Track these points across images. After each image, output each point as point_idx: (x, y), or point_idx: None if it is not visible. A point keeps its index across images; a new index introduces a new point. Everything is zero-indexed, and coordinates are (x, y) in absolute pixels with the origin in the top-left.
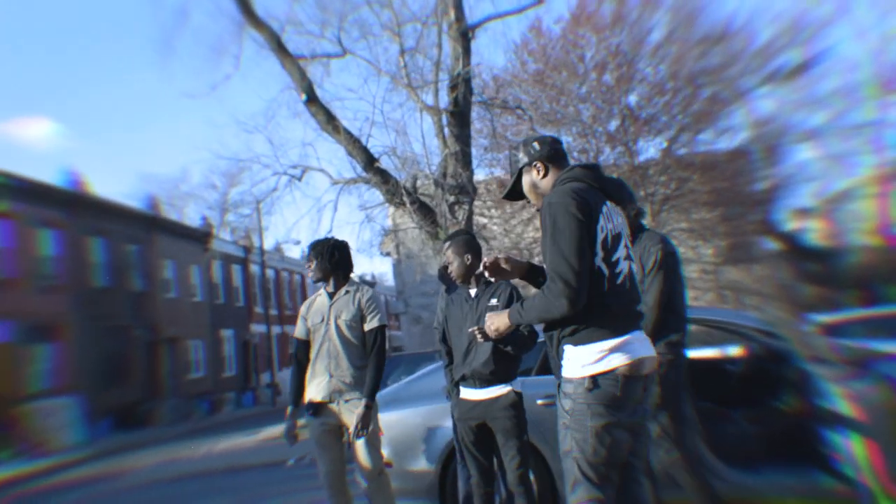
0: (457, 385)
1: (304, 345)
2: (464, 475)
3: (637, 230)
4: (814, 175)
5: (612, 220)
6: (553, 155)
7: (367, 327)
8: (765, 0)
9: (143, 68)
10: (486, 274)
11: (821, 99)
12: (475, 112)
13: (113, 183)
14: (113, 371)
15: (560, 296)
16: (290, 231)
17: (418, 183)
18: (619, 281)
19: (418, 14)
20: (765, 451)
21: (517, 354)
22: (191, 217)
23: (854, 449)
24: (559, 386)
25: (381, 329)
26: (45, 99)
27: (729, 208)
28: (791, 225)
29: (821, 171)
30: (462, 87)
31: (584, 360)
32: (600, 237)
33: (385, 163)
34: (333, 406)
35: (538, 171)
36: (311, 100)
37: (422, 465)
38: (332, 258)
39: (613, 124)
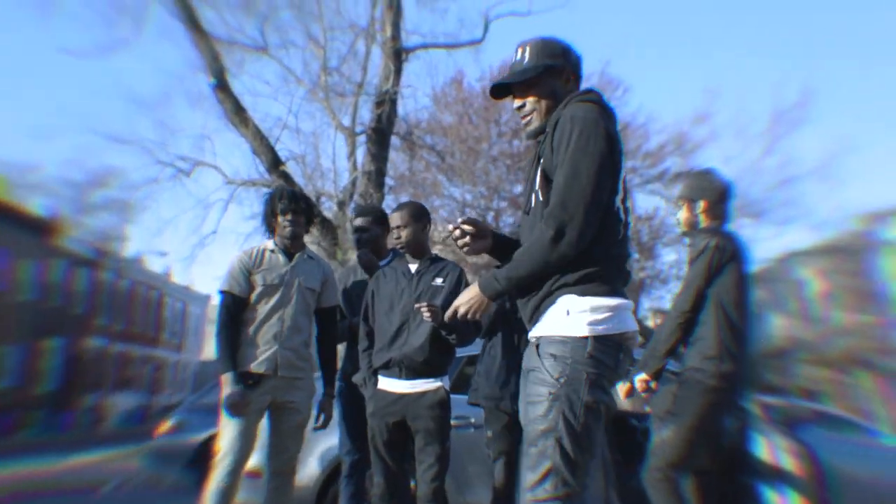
0: (375, 373)
1: (241, 303)
2: (347, 494)
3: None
4: (677, 277)
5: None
6: (580, 74)
7: (327, 303)
8: (658, 109)
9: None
10: (461, 241)
11: None
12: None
13: None
14: None
15: (563, 229)
16: (164, 226)
17: (322, 199)
18: (629, 234)
19: (353, 23)
20: None
21: (457, 345)
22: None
23: None
24: (537, 347)
25: (336, 308)
26: None
27: None
28: (650, 322)
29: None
30: (388, 107)
31: (588, 317)
32: (621, 174)
33: (292, 169)
34: (274, 381)
35: (568, 82)
36: (221, 86)
37: (301, 478)
38: (313, 217)
39: (518, 188)
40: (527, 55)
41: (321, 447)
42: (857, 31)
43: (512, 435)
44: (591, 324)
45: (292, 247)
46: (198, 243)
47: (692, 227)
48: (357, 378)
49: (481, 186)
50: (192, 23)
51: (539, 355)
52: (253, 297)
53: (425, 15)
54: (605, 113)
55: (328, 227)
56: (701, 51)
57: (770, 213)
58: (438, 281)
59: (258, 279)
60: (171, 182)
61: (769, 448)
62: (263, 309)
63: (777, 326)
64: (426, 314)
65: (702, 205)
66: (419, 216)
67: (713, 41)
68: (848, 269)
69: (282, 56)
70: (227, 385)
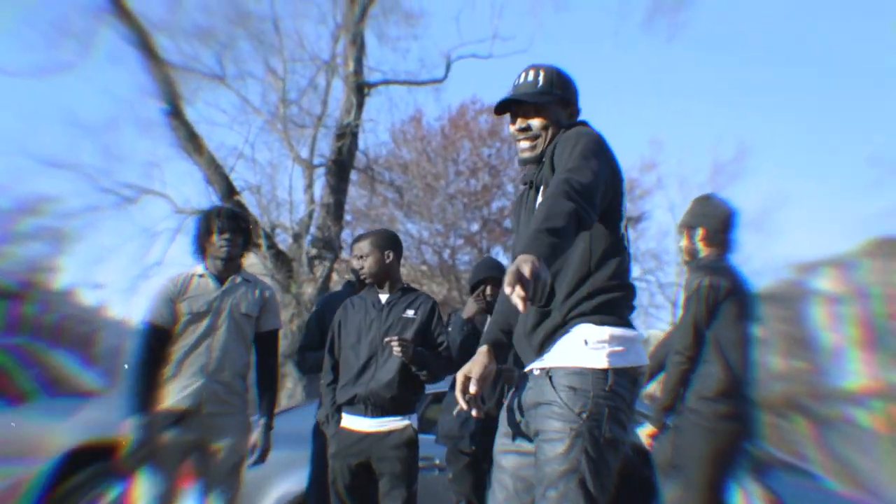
0: (339, 410)
1: (164, 335)
2: None
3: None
4: None
5: None
6: (580, 112)
7: (265, 328)
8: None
9: None
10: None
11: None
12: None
13: None
14: None
15: (570, 197)
16: (104, 256)
17: (277, 231)
18: (631, 262)
19: (315, 56)
20: None
21: (427, 382)
22: None
23: None
24: (550, 378)
25: (278, 333)
26: None
27: None
28: None
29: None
30: (349, 139)
31: (608, 348)
32: (623, 201)
33: (247, 199)
34: (200, 418)
35: (571, 116)
36: (175, 113)
37: None
38: (251, 239)
39: (475, 226)
40: (541, 79)
41: (276, 492)
42: (787, 92)
43: (474, 475)
44: (610, 355)
45: (226, 270)
46: (140, 274)
47: (692, 256)
48: (319, 415)
49: (438, 223)
50: (146, 48)
51: (554, 387)
52: (178, 327)
53: (387, 53)
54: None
55: (283, 260)
56: (648, 102)
57: None
58: (409, 313)
59: (184, 307)
60: (115, 211)
61: (744, 496)
62: (189, 339)
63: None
64: (396, 348)
65: (700, 232)
66: (383, 245)
67: (659, 93)
68: (782, 316)
69: (240, 86)
70: (131, 431)
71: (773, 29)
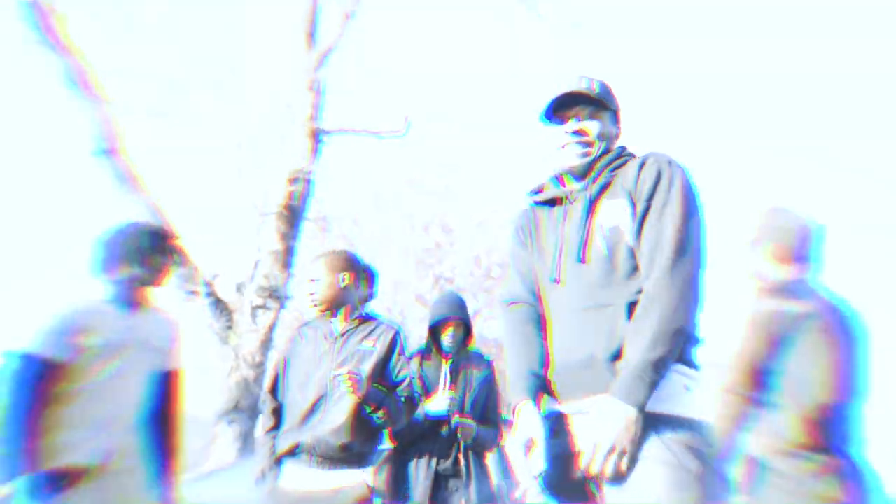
0: (279, 463)
1: (55, 373)
2: None
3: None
4: None
5: None
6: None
7: (174, 365)
8: None
9: None
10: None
11: None
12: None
13: None
14: None
15: (683, 303)
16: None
17: (216, 280)
18: None
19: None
20: None
21: (385, 426)
22: None
23: None
24: (652, 427)
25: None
26: None
27: None
28: None
29: None
30: (302, 186)
31: (706, 398)
32: None
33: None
34: (109, 476)
35: (617, 136)
36: (115, 150)
37: None
38: (174, 265)
39: (426, 285)
40: (597, 86)
41: None
42: (730, 161)
43: None
44: (707, 406)
45: (140, 298)
46: None
47: (762, 279)
48: (253, 468)
49: (387, 281)
50: (87, 84)
51: (660, 438)
52: (78, 364)
53: (345, 107)
54: None
55: (222, 309)
56: None
57: None
58: (367, 344)
59: (90, 341)
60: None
61: None
62: (96, 380)
63: None
64: (349, 385)
65: (769, 248)
66: (338, 266)
67: None
68: None
69: (188, 127)
70: (16, 499)
71: (723, 98)
